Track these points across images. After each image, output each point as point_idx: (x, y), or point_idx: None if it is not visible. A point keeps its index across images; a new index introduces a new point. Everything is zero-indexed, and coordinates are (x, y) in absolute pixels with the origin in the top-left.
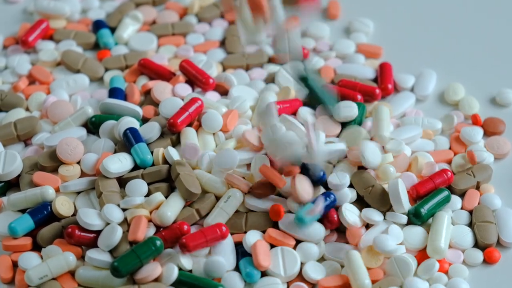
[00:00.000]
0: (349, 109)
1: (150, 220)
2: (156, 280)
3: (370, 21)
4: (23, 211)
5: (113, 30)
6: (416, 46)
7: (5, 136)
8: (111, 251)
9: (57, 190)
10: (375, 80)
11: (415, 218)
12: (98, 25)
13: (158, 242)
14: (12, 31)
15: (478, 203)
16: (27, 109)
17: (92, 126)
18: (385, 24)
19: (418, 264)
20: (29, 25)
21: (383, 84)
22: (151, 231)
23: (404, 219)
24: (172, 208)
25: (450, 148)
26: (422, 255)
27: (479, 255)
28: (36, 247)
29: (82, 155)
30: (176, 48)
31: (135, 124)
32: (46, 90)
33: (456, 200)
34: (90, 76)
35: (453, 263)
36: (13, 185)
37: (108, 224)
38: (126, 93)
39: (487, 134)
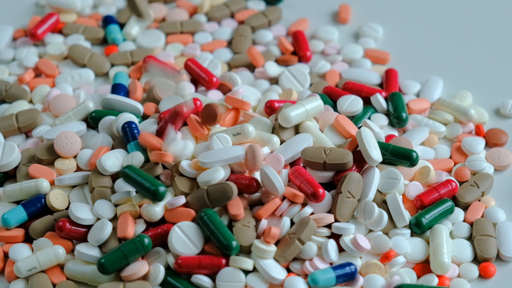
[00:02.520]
0: (354, 103)
1: (140, 216)
2: (143, 278)
3: (380, 26)
4: (18, 202)
5: (122, 26)
6: (425, 54)
7: (6, 128)
8: (100, 246)
9: (53, 183)
10: (380, 85)
11: (416, 227)
12: (107, 21)
13: (146, 240)
14: (23, 24)
15: (482, 216)
16: (31, 102)
17: (92, 121)
18: (395, 30)
19: (418, 277)
20: (39, 18)
21: (387, 90)
22: (142, 227)
23: (407, 234)
24: (160, 204)
25: (450, 157)
26: (421, 267)
27: (474, 270)
28: (29, 239)
29: (78, 150)
30: (183, 47)
31: (134, 120)
32: (51, 83)
33: (458, 212)
34: (96, 71)
35: (449, 277)
36: (11, 176)
37: (99, 219)
38: (129, 90)
39: (489, 145)
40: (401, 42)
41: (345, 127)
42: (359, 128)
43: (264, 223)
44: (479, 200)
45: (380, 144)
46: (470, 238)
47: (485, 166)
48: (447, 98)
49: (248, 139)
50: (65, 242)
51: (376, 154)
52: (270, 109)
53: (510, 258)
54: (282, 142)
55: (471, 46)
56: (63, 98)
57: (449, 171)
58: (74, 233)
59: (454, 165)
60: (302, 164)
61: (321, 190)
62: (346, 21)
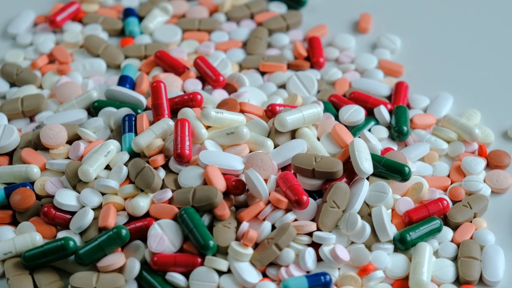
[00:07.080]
0: (356, 114)
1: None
2: (119, 271)
3: (398, 38)
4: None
5: (142, 19)
6: (440, 70)
7: (11, 111)
8: (81, 234)
9: (45, 168)
10: (389, 98)
11: (400, 243)
12: (127, 13)
13: (124, 232)
14: (46, 10)
15: (471, 238)
16: (41, 87)
17: (94, 110)
18: (414, 44)
19: None
20: (61, 5)
21: (395, 103)
22: (124, 219)
23: (390, 250)
24: (145, 200)
25: (449, 176)
26: (400, 284)
27: None
28: (16, 222)
29: (65, 138)
30: (198, 44)
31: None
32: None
33: (447, 232)
34: (109, 62)
35: None
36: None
37: (83, 207)
38: (136, 82)
39: (491, 166)
40: (418, 55)
41: (342, 136)
42: None
43: (245, 225)
44: (471, 222)
45: (373, 156)
46: (455, 259)
47: (481, 187)
48: (453, 116)
49: (241, 141)
50: (49, 228)
51: (366, 165)
52: (271, 112)
53: (493, 283)
54: (276, 146)
55: (486, 66)
56: (70, 85)
57: (445, 190)
58: (59, 219)
59: (451, 183)
60: (292, 170)
61: (305, 198)
62: (366, 30)
